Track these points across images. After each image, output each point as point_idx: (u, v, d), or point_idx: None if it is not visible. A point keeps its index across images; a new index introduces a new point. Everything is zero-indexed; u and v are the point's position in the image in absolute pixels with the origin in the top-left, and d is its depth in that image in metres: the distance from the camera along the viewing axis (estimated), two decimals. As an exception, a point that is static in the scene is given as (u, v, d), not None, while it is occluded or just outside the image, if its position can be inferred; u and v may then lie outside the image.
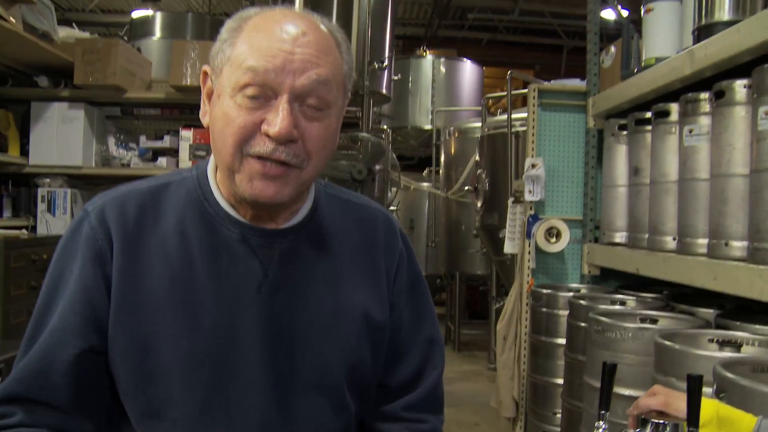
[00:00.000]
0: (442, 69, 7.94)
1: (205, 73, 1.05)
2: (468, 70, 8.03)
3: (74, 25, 3.85)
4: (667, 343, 1.88)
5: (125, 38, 5.88)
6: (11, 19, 2.90)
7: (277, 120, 0.94)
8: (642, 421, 1.11)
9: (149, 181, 1.10)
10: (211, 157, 1.10)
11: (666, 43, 2.67)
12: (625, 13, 3.25)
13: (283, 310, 1.04)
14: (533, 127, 3.39)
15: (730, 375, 1.50)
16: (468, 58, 8.34)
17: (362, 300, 1.11)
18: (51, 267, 1.05)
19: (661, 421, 1.08)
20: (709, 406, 1.11)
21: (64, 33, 3.57)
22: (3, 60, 3.56)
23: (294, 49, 0.96)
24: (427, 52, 8.21)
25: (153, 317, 1.00)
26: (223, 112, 0.97)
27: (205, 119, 1.05)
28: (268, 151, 0.96)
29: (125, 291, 1.00)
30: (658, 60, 2.64)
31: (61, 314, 1.00)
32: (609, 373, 1.12)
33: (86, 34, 3.71)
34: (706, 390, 1.63)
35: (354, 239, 1.14)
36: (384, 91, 6.10)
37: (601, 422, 1.08)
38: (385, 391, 1.19)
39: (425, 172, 8.38)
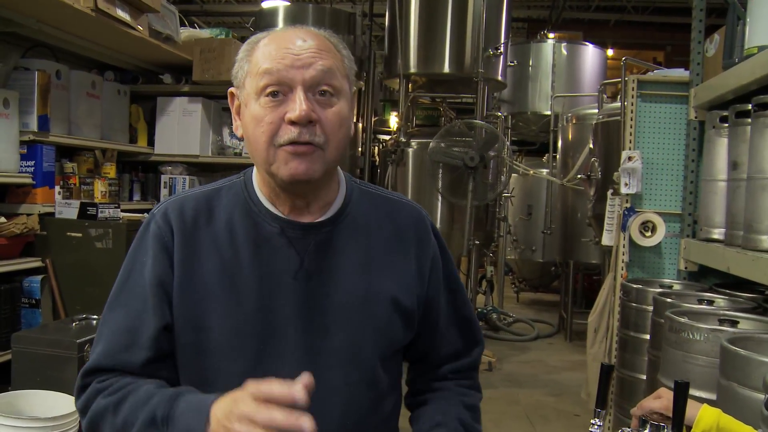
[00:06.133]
0: (564, 53, 7.76)
1: (232, 94, 1.23)
2: (590, 53, 7.79)
3: (196, 25, 4.18)
4: (731, 347, 1.83)
5: (252, 29, 6.23)
6: (139, 27, 3.26)
7: (296, 106, 1.11)
8: (642, 422, 1.15)
9: (204, 187, 1.29)
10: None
11: (770, 31, 2.54)
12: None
13: (317, 294, 1.19)
14: (631, 119, 3.32)
15: (776, 385, 1.47)
16: (594, 40, 8.08)
17: (391, 286, 1.24)
18: (126, 260, 1.23)
19: (661, 424, 1.12)
20: (710, 414, 1.13)
21: (186, 34, 3.90)
22: (134, 61, 3.97)
23: (299, 51, 1.13)
24: (549, 36, 8.05)
25: (205, 300, 1.17)
26: (252, 115, 1.15)
27: (238, 132, 1.23)
28: (294, 137, 1.11)
29: (184, 277, 1.18)
30: (761, 49, 2.52)
31: (140, 297, 1.18)
32: (606, 374, 1.16)
33: (205, 34, 4.03)
34: (762, 397, 1.60)
35: (385, 231, 1.27)
36: (500, 77, 6.09)
37: (597, 420, 1.14)
38: (431, 365, 1.37)
39: (545, 158, 8.27)
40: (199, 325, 1.17)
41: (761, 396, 1.66)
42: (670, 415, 1.18)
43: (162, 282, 1.17)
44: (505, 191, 6.50)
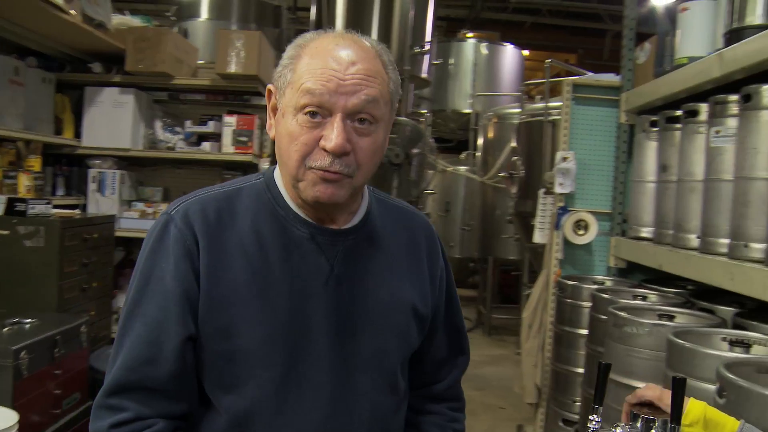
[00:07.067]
0: (484, 52, 7.93)
1: (270, 91, 1.19)
2: (510, 54, 8.00)
3: (127, 13, 4.00)
4: (677, 340, 1.95)
5: (173, 18, 6.03)
6: (72, 11, 3.07)
7: (333, 136, 1.07)
8: (633, 416, 1.21)
9: (222, 186, 1.24)
10: (277, 165, 1.23)
11: (700, 43, 2.68)
12: (662, 7, 3.24)
13: (346, 301, 1.18)
14: (566, 121, 3.45)
15: (730, 375, 1.57)
16: (510, 41, 8.31)
17: (409, 292, 1.26)
18: (141, 265, 1.16)
19: (651, 417, 1.18)
20: (697, 407, 1.20)
21: (117, 20, 3.73)
22: (61, 48, 3.74)
23: (346, 75, 1.09)
24: (469, 35, 8.20)
25: (236, 306, 1.13)
26: (288, 130, 1.11)
27: (271, 132, 1.19)
28: (326, 165, 1.09)
29: (211, 284, 1.13)
30: (691, 59, 2.67)
31: (162, 306, 1.12)
32: (603, 371, 1.22)
33: (138, 21, 3.86)
34: (711, 388, 1.71)
35: (401, 240, 1.29)
36: (425, 74, 6.16)
37: (595, 416, 1.18)
38: (420, 372, 1.36)
39: (463, 156, 8.43)
40: (230, 332, 1.13)
41: (707, 386, 1.78)
42: (661, 406, 1.25)
43: (185, 290, 1.12)
44: (427, 189, 6.60)
